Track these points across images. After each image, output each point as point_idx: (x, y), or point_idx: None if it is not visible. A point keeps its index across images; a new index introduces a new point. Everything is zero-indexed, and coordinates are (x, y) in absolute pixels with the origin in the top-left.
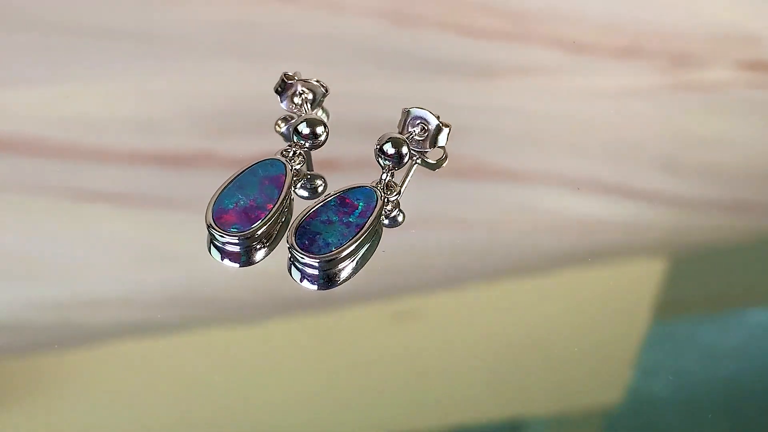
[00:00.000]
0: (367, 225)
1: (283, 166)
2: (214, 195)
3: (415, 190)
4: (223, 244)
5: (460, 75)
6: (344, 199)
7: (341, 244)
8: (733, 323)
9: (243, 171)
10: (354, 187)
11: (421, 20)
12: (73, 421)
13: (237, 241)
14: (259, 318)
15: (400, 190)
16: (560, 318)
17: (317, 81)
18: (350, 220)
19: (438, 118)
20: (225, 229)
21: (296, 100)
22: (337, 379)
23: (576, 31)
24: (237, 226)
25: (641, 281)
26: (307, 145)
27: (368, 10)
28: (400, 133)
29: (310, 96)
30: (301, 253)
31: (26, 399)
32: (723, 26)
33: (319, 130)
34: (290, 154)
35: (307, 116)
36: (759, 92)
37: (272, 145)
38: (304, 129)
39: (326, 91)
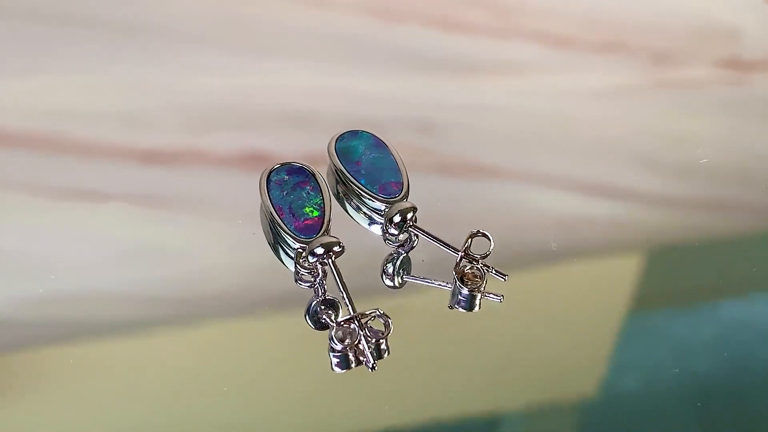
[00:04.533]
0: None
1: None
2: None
3: None
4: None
5: (445, 71)
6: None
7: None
8: (705, 318)
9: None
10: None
11: (406, 15)
12: (59, 418)
13: None
14: (247, 314)
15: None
16: (537, 314)
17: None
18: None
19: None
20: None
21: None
22: (325, 375)
23: (559, 26)
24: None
25: (617, 277)
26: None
27: (354, 5)
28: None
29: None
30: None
31: (19, 396)
32: (704, 20)
33: (409, 215)
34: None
35: (401, 207)
36: (737, 90)
37: (258, 142)
38: (396, 218)
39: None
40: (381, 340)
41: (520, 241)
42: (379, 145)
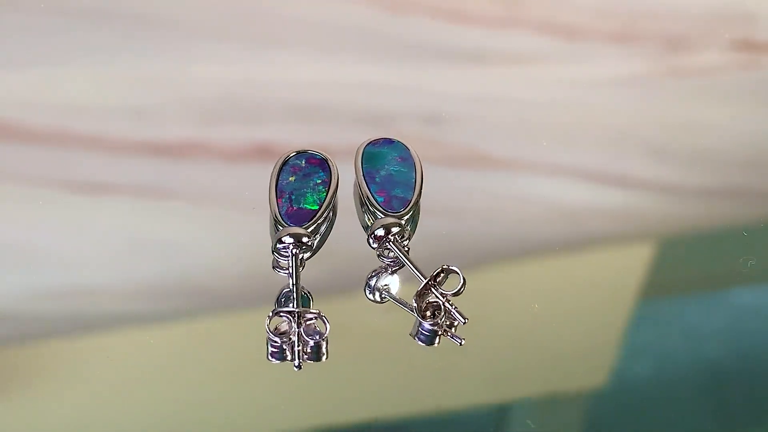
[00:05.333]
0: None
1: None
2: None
3: None
4: None
5: (452, 62)
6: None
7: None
8: (717, 305)
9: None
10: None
11: (413, 6)
12: (69, 410)
13: None
14: (253, 307)
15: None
16: (548, 303)
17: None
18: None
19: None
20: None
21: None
22: (332, 366)
23: (569, 14)
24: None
25: (628, 265)
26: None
27: None
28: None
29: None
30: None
31: (23, 389)
32: (717, 4)
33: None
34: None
35: (385, 222)
36: (753, 74)
37: (265, 135)
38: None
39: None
40: (321, 342)
41: (530, 232)
42: (407, 159)
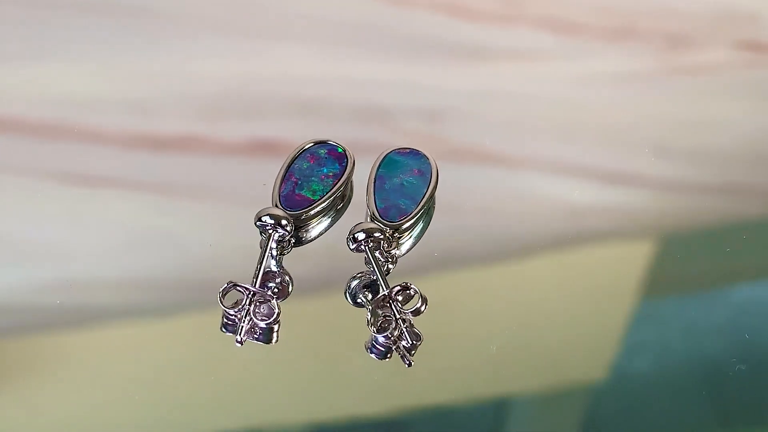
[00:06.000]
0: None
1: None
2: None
3: None
4: None
5: (452, 58)
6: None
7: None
8: (717, 302)
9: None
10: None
11: (414, 2)
12: (69, 403)
13: None
14: None
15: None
16: (548, 299)
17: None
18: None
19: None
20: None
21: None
22: (332, 360)
23: (570, 11)
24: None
25: (629, 262)
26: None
27: None
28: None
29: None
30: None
31: (22, 381)
32: (722, 3)
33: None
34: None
35: (366, 227)
36: (756, 72)
37: (266, 130)
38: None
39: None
40: (273, 325)
41: (530, 228)
42: (424, 174)
